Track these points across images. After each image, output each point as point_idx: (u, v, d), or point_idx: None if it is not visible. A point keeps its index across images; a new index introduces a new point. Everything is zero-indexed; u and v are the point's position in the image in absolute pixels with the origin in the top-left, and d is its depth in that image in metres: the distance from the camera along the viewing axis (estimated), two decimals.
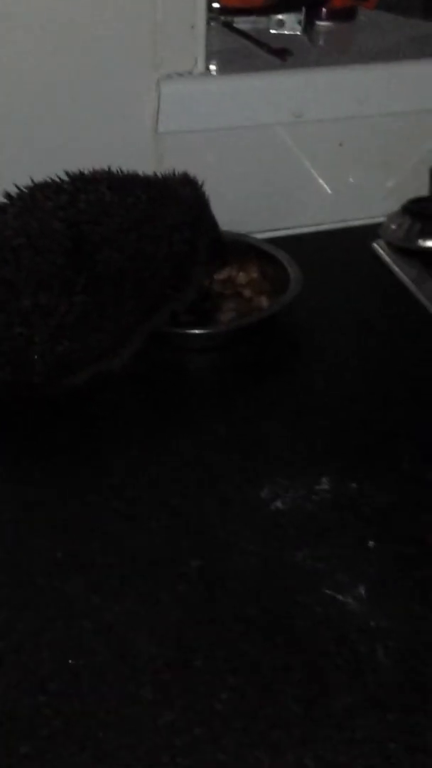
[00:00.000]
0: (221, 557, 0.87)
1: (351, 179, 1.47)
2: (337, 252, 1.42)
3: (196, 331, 1.16)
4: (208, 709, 0.73)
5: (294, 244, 1.34)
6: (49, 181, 1.05)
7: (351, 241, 1.45)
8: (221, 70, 1.35)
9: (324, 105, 1.38)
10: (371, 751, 0.70)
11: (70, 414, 1.05)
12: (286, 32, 1.51)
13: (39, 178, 1.05)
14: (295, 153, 1.41)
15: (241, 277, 1.24)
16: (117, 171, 1.09)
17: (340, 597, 0.83)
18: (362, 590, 0.83)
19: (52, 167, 1.05)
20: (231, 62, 1.38)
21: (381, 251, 1.39)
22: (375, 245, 1.40)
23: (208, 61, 1.32)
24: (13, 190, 1.04)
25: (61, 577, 0.84)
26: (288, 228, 1.45)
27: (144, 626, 0.79)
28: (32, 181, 1.05)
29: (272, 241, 1.32)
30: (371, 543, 0.89)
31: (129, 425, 1.05)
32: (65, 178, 1.06)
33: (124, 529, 0.90)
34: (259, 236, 1.34)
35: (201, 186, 1.15)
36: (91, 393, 1.06)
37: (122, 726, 0.71)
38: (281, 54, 1.41)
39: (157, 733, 0.71)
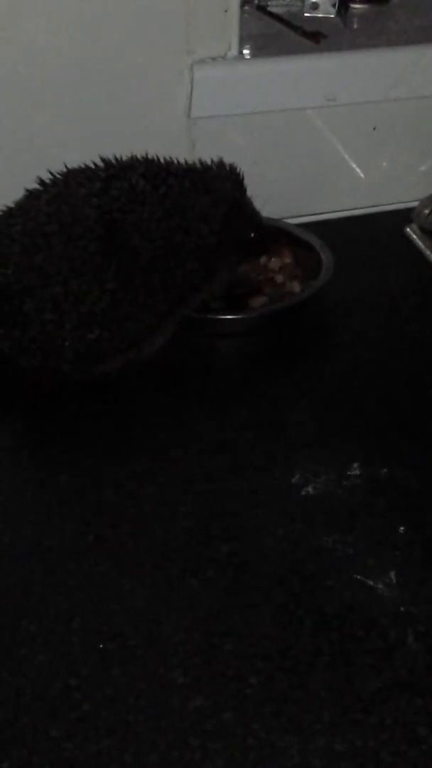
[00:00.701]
0: (251, 542, 0.87)
1: (384, 163, 1.46)
2: (370, 237, 1.42)
3: (230, 317, 1.16)
4: (238, 694, 0.73)
5: (326, 228, 1.34)
6: (84, 167, 1.06)
7: (383, 226, 1.44)
8: (255, 54, 1.34)
9: (357, 88, 1.38)
10: (400, 736, 0.70)
11: (98, 400, 1.05)
12: (319, 15, 1.50)
13: (73, 163, 1.06)
14: (328, 137, 1.41)
15: (274, 263, 1.23)
16: (154, 158, 1.08)
17: (369, 582, 0.83)
18: (392, 575, 0.84)
19: (86, 153, 1.06)
20: (264, 46, 1.37)
21: (413, 236, 1.38)
22: (407, 230, 1.39)
23: (241, 45, 1.31)
24: (47, 176, 1.05)
25: (92, 561, 0.84)
26: (320, 213, 1.44)
27: (174, 610, 0.80)
28: (66, 167, 1.05)
29: (305, 225, 1.32)
30: (401, 528, 0.89)
31: (158, 411, 1.05)
32: (100, 164, 1.06)
33: (154, 513, 0.90)
34: (292, 221, 1.34)
35: (240, 178, 1.13)
36: (120, 378, 1.07)
37: (152, 710, 0.71)
38: (315, 37, 1.40)
39: (187, 717, 0.71)
